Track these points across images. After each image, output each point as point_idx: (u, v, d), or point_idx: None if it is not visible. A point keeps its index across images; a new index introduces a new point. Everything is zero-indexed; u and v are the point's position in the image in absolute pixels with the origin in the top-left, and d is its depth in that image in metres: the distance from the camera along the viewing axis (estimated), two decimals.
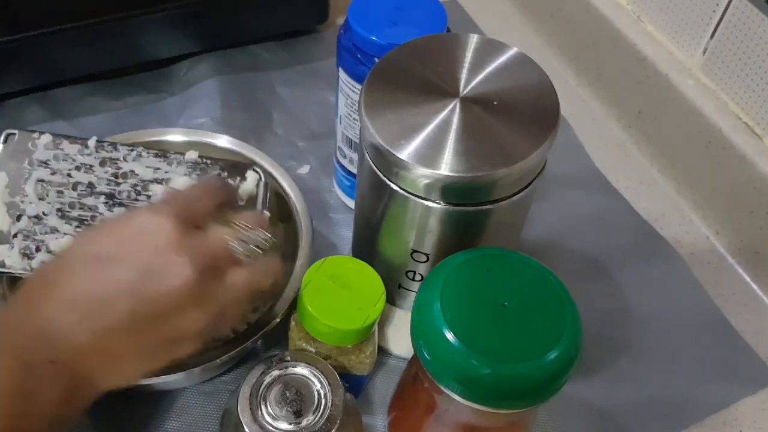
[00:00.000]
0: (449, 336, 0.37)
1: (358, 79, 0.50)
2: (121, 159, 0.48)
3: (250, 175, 0.50)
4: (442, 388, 0.39)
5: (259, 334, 0.46)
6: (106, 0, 0.62)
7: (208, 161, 0.50)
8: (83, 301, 0.37)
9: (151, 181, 0.48)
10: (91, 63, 0.65)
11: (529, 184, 0.42)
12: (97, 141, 0.48)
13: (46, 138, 0.48)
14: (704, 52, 0.62)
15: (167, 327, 0.39)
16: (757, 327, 0.57)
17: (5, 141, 0.48)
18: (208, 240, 0.40)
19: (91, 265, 0.37)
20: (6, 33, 0.60)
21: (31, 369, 0.35)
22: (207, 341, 0.41)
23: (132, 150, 0.49)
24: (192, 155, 0.49)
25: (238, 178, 0.50)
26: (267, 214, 0.49)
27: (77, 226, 0.46)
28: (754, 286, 0.60)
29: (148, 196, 0.48)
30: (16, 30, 0.60)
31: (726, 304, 0.58)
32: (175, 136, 0.55)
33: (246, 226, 0.41)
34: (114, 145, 0.49)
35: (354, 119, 0.53)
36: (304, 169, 0.64)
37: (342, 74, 0.51)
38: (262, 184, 0.50)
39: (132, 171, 0.48)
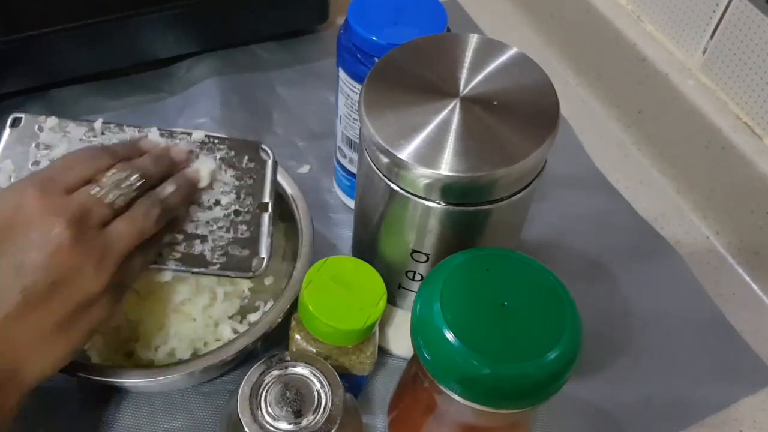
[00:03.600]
0: (449, 336, 0.37)
1: (358, 79, 0.50)
2: (128, 140, 0.48)
3: (260, 155, 0.50)
4: (442, 388, 0.39)
5: (259, 334, 0.46)
6: (106, 0, 0.62)
7: (216, 140, 0.50)
8: None
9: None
10: (91, 63, 0.65)
11: (529, 184, 0.42)
12: (103, 122, 0.48)
13: (53, 121, 0.48)
14: (704, 52, 0.62)
15: (67, 293, 0.38)
16: (757, 327, 0.57)
17: (12, 124, 0.48)
18: (72, 196, 0.39)
19: None
20: (6, 33, 0.60)
21: None
22: (117, 298, 0.41)
23: (139, 131, 0.49)
24: (199, 135, 0.49)
25: (247, 157, 0.50)
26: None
27: None
28: (754, 286, 0.60)
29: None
30: (16, 30, 0.60)
31: (726, 304, 0.58)
32: None
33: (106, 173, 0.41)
34: (120, 126, 0.49)
35: (354, 119, 0.53)
36: (304, 169, 0.64)
37: (342, 74, 0.51)
38: (270, 162, 0.50)
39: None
